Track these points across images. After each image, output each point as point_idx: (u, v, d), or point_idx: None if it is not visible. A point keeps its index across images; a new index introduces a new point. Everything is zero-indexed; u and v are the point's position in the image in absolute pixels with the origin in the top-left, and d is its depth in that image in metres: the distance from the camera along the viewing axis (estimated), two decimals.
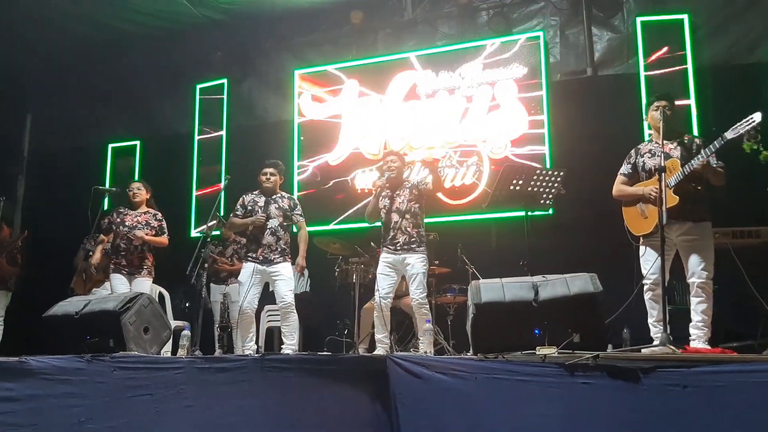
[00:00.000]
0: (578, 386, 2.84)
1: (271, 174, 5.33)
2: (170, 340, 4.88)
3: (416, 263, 4.90)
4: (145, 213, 5.75)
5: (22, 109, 9.09)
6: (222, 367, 3.23)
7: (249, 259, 5.18)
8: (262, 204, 5.27)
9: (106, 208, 5.98)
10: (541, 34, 6.91)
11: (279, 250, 5.17)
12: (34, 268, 6.87)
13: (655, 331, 3.95)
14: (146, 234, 5.56)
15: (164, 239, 5.73)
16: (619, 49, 6.81)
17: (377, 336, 5.00)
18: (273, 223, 5.20)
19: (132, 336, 4.05)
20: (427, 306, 4.96)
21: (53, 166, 8.64)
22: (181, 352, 4.43)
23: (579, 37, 6.98)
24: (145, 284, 5.56)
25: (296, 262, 5.26)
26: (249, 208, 5.29)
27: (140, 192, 5.79)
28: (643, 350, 3.41)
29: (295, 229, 5.46)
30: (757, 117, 3.55)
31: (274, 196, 5.32)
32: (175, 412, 2.92)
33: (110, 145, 8.55)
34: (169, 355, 5.06)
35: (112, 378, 2.72)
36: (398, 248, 4.94)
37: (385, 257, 4.99)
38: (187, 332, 4.56)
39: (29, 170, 9.00)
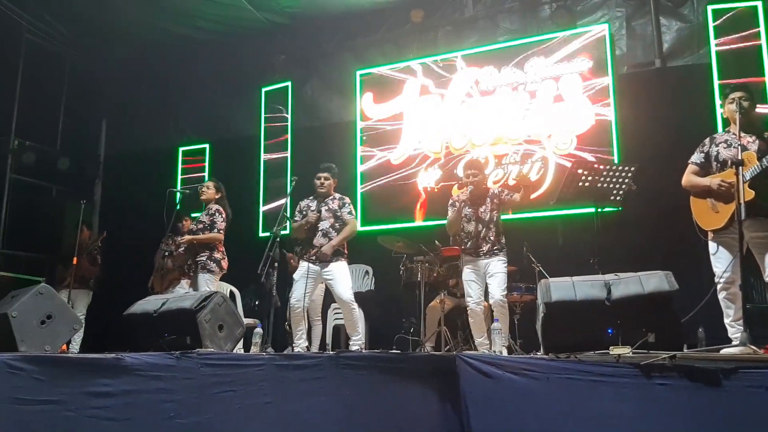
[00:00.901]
0: (654, 387, 2.78)
1: (325, 179, 5.43)
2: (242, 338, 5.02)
3: (497, 264, 5.04)
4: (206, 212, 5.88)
5: (98, 115, 9.54)
6: (299, 365, 3.32)
7: (304, 258, 5.33)
8: (314, 207, 5.41)
9: (179, 208, 6.16)
10: (606, 26, 6.76)
11: (331, 251, 5.23)
12: (112, 268, 7.18)
13: (733, 331, 3.81)
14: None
15: (212, 235, 5.69)
16: (689, 39, 6.58)
17: (477, 340, 5.13)
18: (324, 225, 5.31)
19: (207, 333, 4.17)
20: (506, 305, 5.04)
21: (128, 169, 9.01)
22: (254, 350, 4.57)
23: (646, 28, 6.79)
24: (202, 279, 5.65)
25: (324, 245, 5.24)
26: (304, 213, 5.44)
27: (207, 190, 5.93)
28: (722, 350, 3.31)
29: None
30: None
31: (326, 199, 5.43)
32: (255, 408, 3.02)
33: (181, 148, 8.86)
34: (241, 351, 5.22)
35: (199, 374, 2.83)
36: (481, 255, 5.09)
37: (469, 264, 5.13)
38: (259, 330, 4.70)
39: (106, 174, 9.43)
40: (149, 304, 4.58)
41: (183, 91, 8.98)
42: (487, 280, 5.06)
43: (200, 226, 5.76)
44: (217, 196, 5.95)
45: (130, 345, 4.10)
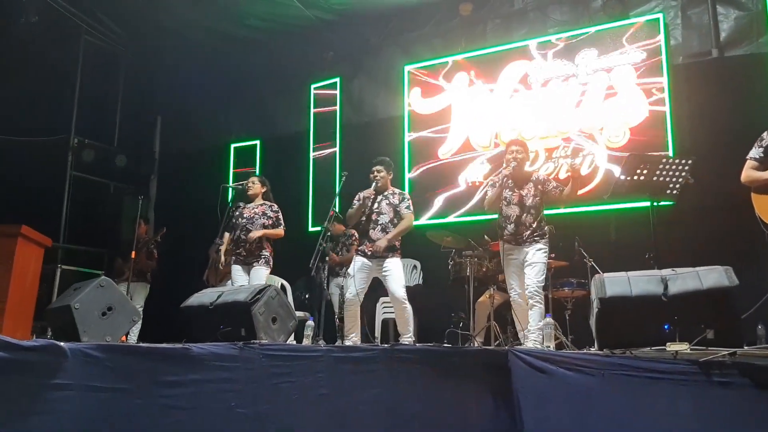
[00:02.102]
0: (713, 385, 2.73)
1: (378, 171, 5.43)
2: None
3: (537, 253, 4.90)
4: (261, 205, 5.99)
5: (153, 113, 9.81)
6: (355, 357, 3.36)
7: (359, 252, 5.34)
8: (375, 201, 5.40)
9: (231, 204, 6.30)
10: (660, 16, 6.60)
11: (388, 246, 5.25)
12: (168, 261, 7.39)
13: None
14: (258, 232, 5.76)
15: (280, 231, 5.92)
16: (748, 27, 6.36)
17: (520, 333, 5.02)
18: (383, 219, 5.30)
19: (262, 326, 4.25)
20: (542, 296, 4.87)
21: (182, 165, 9.26)
22: (306, 342, 4.64)
23: (702, 17, 6.59)
24: (262, 273, 5.75)
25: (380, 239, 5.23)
26: (363, 203, 5.42)
27: (254, 185, 6.05)
28: None
29: None
30: None
31: (385, 193, 5.43)
32: (312, 399, 3.07)
33: (232, 145, 9.04)
34: (294, 344, 5.31)
35: (260, 364, 2.90)
36: (521, 242, 4.97)
37: (510, 252, 5.01)
38: (311, 322, 4.77)
39: (160, 170, 9.69)
40: (205, 296, 4.69)
41: (234, 89, 9.15)
42: (524, 269, 4.93)
43: (270, 222, 5.88)
44: (263, 191, 6.07)
45: (187, 337, 4.22)
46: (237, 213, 5.97)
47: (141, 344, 3.01)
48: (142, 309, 6.75)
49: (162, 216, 9.01)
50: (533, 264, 4.87)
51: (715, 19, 6.49)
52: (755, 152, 4.04)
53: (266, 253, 5.83)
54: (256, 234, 5.75)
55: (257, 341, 3.41)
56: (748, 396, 2.67)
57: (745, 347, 3.35)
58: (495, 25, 7.78)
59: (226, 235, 6.10)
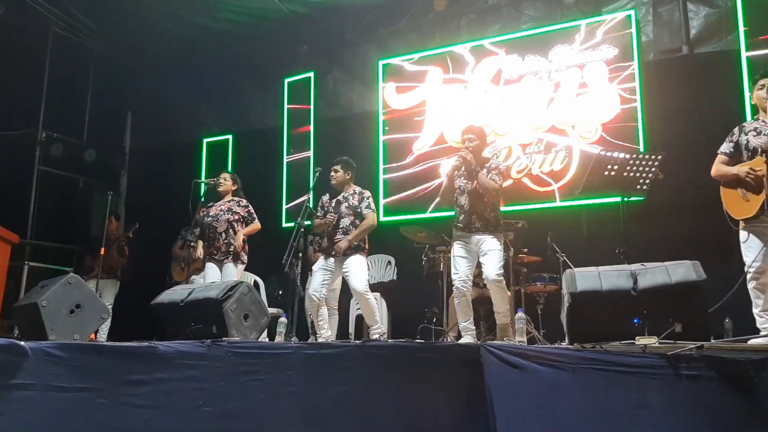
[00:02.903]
0: (681, 378, 2.76)
1: (334, 171, 5.42)
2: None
3: (492, 241, 4.76)
4: (228, 201, 5.94)
5: (123, 107, 9.66)
6: (326, 354, 3.34)
7: (323, 253, 5.38)
8: (334, 203, 5.41)
9: (203, 200, 6.24)
10: (632, 12, 6.65)
11: (352, 246, 5.23)
12: (138, 258, 7.29)
13: (762, 321, 3.78)
14: (240, 236, 5.74)
15: (255, 225, 5.91)
16: (717, 24, 6.44)
17: (462, 324, 4.89)
18: (344, 222, 5.29)
19: (233, 323, 4.20)
20: (503, 282, 4.77)
21: (153, 161, 9.13)
22: (279, 339, 4.61)
23: (673, 14, 6.66)
24: (234, 270, 5.72)
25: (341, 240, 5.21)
26: (326, 208, 5.45)
27: (225, 182, 6.01)
28: (750, 341, 3.28)
29: None
30: None
31: (345, 194, 5.40)
32: (281, 397, 3.04)
33: (205, 140, 8.94)
34: (266, 341, 5.28)
35: (228, 363, 2.86)
36: (473, 230, 4.82)
37: (460, 239, 4.88)
38: (284, 319, 4.74)
39: (131, 165, 9.55)
40: (176, 293, 4.64)
41: (207, 83, 9.01)
42: (480, 259, 4.77)
43: (236, 217, 5.84)
44: (234, 188, 6.04)
45: (157, 334, 4.16)
46: (204, 212, 5.90)
47: (105, 343, 2.96)
48: (111, 306, 6.67)
49: (133, 212, 8.88)
50: (489, 252, 4.72)
51: (686, 16, 6.56)
52: (726, 147, 4.09)
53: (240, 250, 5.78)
54: (240, 238, 5.73)
55: (226, 339, 3.37)
56: (714, 388, 2.70)
57: (713, 340, 3.40)
58: (469, 21, 7.79)
59: (197, 233, 6.04)
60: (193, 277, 6.30)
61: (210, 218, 5.84)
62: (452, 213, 5.13)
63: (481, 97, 7.25)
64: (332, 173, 5.44)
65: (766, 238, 3.61)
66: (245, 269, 6.04)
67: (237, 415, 2.82)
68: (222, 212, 5.85)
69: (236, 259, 5.76)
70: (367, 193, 5.48)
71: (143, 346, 2.65)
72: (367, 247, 5.39)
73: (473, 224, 4.83)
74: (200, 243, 5.90)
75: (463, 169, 4.93)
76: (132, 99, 9.62)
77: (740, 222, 3.92)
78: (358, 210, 5.33)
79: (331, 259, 5.26)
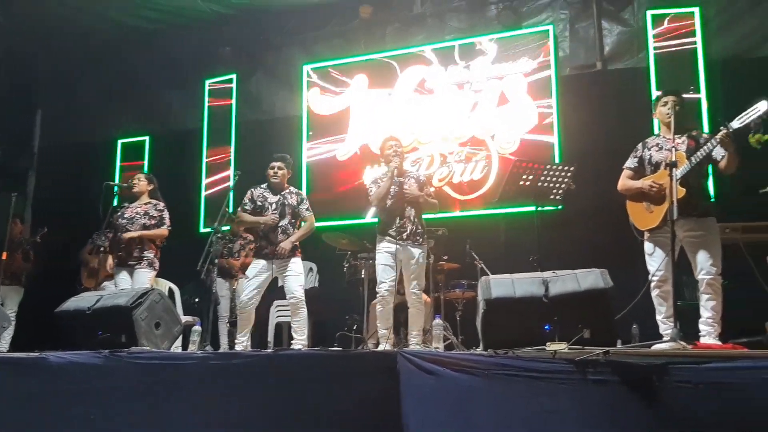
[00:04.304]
0: (588, 383, 2.83)
1: (279, 168, 5.27)
2: (181, 336, 4.91)
3: (420, 257, 4.89)
4: (144, 204, 5.70)
5: (32, 104, 9.15)
6: (234, 363, 3.23)
7: (260, 255, 5.17)
8: (273, 201, 5.22)
9: (116, 203, 5.98)
10: (550, 27, 6.89)
11: (290, 247, 5.14)
12: (45, 264, 6.93)
13: (665, 327, 3.95)
14: (134, 233, 5.47)
15: (162, 231, 5.61)
16: (629, 42, 6.78)
17: (381, 331, 4.93)
18: (284, 221, 5.17)
19: (144, 331, 4.07)
20: (422, 298, 4.91)
21: (63, 161, 8.66)
22: (192, 348, 4.47)
23: (589, 31, 6.95)
24: (145, 276, 5.48)
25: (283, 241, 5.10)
26: (259, 203, 5.24)
27: (140, 183, 5.75)
28: (653, 346, 3.40)
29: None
30: (763, 106, 3.51)
31: (283, 192, 5.28)
32: (187, 408, 2.92)
33: (120, 141, 8.59)
34: (179, 350, 5.10)
35: (127, 374, 2.73)
36: (404, 238, 4.87)
37: (387, 247, 4.91)
38: (198, 328, 4.60)
39: (39, 166, 9.06)
40: (83, 301, 4.44)
41: (123, 82, 8.71)
42: (410, 268, 4.87)
43: (153, 222, 5.59)
44: (149, 189, 5.78)
45: (63, 343, 3.96)
46: (119, 213, 5.65)
47: None
48: (15, 314, 6.36)
49: (40, 215, 8.42)
50: (416, 267, 4.86)
51: (600, 33, 6.85)
52: (630, 162, 4.28)
53: (149, 254, 5.54)
54: (129, 234, 5.45)
55: (126, 350, 3.22)
56: (620, 393, 2.77)
57: (620, 346, 3.51)
58: (394, 29, 7.85)
59: (109, 236, 5.79)
60: (105, 283, 6.05)
61: (124, 220, 5.57)
62: (375, 220, 5.15)
63: (404, 106, 7.31)
64: (276, 170, 5.26)
65: (669, 247, 3.77)
66: (159, 276, 5.83)
67: (134, 428, 2.68)
68: (138, 215, 5.60)
69: (149, 265, 5.52)
70: (304, 195, 5.42)
71: (32, 357, 2.49)
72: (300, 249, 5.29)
73: (404, 230, 4.88)
74: (111, 256, 5.64)
75: (395, 172, 4.99)
76: (42, 96, 9.12)
77: (645, 233, 4.09)
78: (297, 211, 5.23)
79: (268, 262, 5.09)
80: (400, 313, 5.77)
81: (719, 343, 3.78)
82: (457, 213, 6.76)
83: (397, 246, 4.85)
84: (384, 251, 4.93)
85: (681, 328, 3.53)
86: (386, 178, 5.00)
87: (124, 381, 2.72)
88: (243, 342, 5.06)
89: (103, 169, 8.27)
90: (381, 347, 4.74)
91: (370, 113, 7.46)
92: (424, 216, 5.13)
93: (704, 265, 3.85)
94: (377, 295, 4.96)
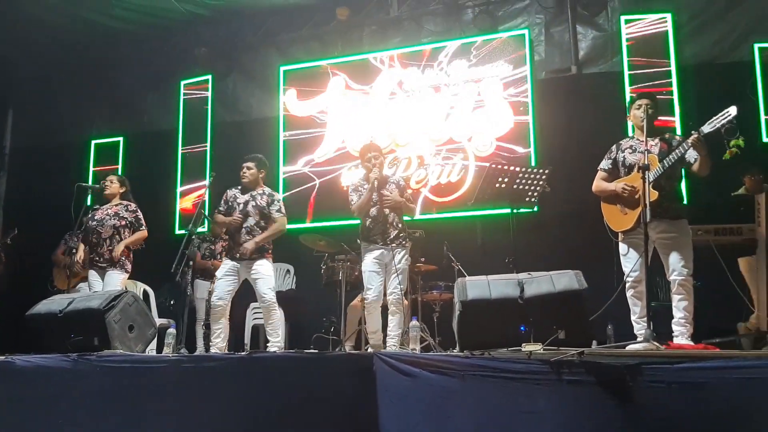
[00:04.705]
0: (563, 383, 2.85)
1: (248, 168, 5.22)
2: (155, 338, 4.85)
3: (402, 260, 4.94)
4: (115, 205, 5.62)
5: (3, 104, 9.00)
6: (208, 366, 3.19)
7: (227, 256, 5.13)
8: (242, 201, 5.17)
9: (90, 204, 5.90)
10: (526, 32, 6.94)
11: (256, 248, 5.07)
12: (16, 266, 6.81)
13: (639, 327, 3.99)
14: (120, 246, 5.41)
15: (141, 234, 5.58)
16: (603, 47, 6.86)
17: (371, 334, 4.97)
18: (249, 222, 5.09)
19: (117, 334, 4.02)
20: (402, 301, 4.92)
21: (35, 162, 8.53)
22: (167, 351, 4.40)
23: (564, 35, 7.02)
24: (118, 278, 5.40)
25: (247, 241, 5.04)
26: (230, 204, 5.20)
27: (112, 185, 5.68)
28: (627, 347, 3.44)
29: None
30: (733, 111, 3.57)
31: (253, 193, 5.21)
32: (160, 413, 2.88)
33: (93, 142, 8.48)
34: (154, 353, 5.03)
35: (97, 378, 2.68)
36: (389, 242, 4.92)
37: (373, 253, 4.94)
38: (172, 330, 4.53)
39: (11, 167, 8.90)
40: (54, 303, 4.37)
41: (97, 82, 8.59)
42: (390, 272, 4.90)
43: (123, 223, 5.52)
44: (121, 191, 5.71)
45: (34, 347, 3.89)
46: (89, 216, 5.56)
47: None
48: None
49: (12, 216, 8.28)
50: (401, 271, 4.87)
51: (575, 37, 6.93)
52: (605, 164, 4.33)
53: (121, 256, 5.46)
54: (119, 249, 5.39)
55: (95, 353, 3.16)
56: (594, 393, 2.80)
57: (597, 347, 3.55)
58: (371, 32, 7.85)
59: (81, 237, 5.70)
60: (79, 285, 5.97)
61: (95, 222, 5.49)
62: (353, 222, 5.16)
63: (382, 108, 7.32)
64: (245, 170, 5.22)
65: (642, 249, 3.82)
66: (134, 278, 5.76)
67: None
68: (108, 217, 5.52)
69: (121, 266, 5.45)
70: (278, 196, 5.35)
71: None
72: (271, 249, 5.23)
73: (388, 235, 4.93)
74: (81, 247, 5.56)
75: (375, 183, 5.01)
76: (13, 96, 8.97)
77: (619, 234, 4.14)
78: (266, 212, 5.15)
79: (235, 263, 5.05)
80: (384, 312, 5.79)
81: (691, 343, 3.83)
82: (435, 215, 6.77)
83: (384, 251, 4.91)
84: (370, 257, 4.94)
85: (655, 329, 3.59)
86: (367, 190, 5.04)
87: (94, 385, 2.67)
88: (218, 344, 5.02)
89: (76, 170, 8.13)
90: (371, 350, 4.73)
91: (347, 115, 7.45)
92: (406, 217, 5.18)
93: (676, 267, 3.91)
94: (364, 301, 4.97)
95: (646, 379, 2.69)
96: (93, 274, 5.42)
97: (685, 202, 4.29)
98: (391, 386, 3.28)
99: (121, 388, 2.80)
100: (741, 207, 4.78)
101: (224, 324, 5.04)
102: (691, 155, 3.91)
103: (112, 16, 7.86)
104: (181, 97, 8.16)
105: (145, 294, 6.33)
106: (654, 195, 3.75)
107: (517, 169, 4.60)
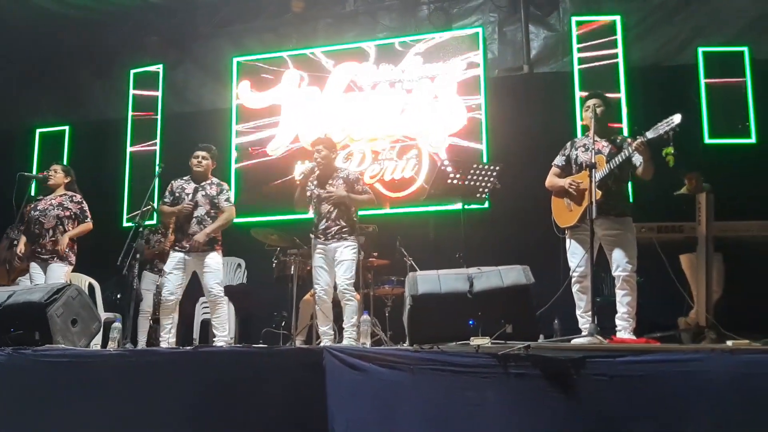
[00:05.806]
0: (510, 376, 2.90)
1: (203, 158, 5.13)
2: (100, 333, 4.74)
3: (345, 250, 4.85)
4: (60, 195, 5.45)
5: None
6: (152, 361, 3.12)
7: (176, 248, 5.01)
8: (190, 191, 5.08)
9: (33, 195, 5.70)
10: (480, 30, 7.01)
11: (207, 240, 4.99)
12: None
13: (583, 321, 4.09)
14: (64, 240, 5.24)
15: (86, 226, 5.44)
16: (555, 47, 6.98)
17: (321, 328, 4.93)
18: (200, 211, 5.01)
19: (59, 328, 3.91)
20: (353, 292, 4.87)
21: None
22: (112, 345, 4.31)
23: (516, 35, 7.12)
24: (61, 270, 5.24)
25: (198, 233, 4.96)
26: (177, 194, 5.10)
27: (56, 175, 5.51)
28: (572, 341, 3.52)
29: None
30: (677, 118, 3.66)
31: (203, 183, 5.13)
32: (102, 409, 2.81)
33: (38, 130, 8.20)
34: (98, 347, 4.92)
35: (34, 373, 2.59)
36: (329, 238, 4.89)
37: (318, 248, 4.93)
38: (117, 324, 4.43)
39: None
40: None
41: (42, 69, 8.32)
42: (334, 267, 4.86)
43: (67, 214, 5.35)
44: (66, 181, 5.54)
45: None
46: (32, 206, 5.38)
47: None
48: None
49: None
50: (342, 261, 4.82)
51: (527, 37, 7.04)
52: (559, 160, 4.41)
53: (66, 248, 5.29)
54: (64, 242, 5.22)
55: (32, 347, 3.07)
56: (539, 385, 2.85)
57: (543, 340, 3.62)
58: (326, 25, 7.81)
59: (22, 228, 5.52)
60: (20, 279, 5.77)
61: (37, 213, 5.31)
62: (305, 216, 5.13)
63: (336, 102, 7.29)
64: (200, 159, 5.12)
65: (588, 245, 3.91)
66: (79, 270, 5.60)
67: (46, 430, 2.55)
68: (51, 207, 5.35)
69: (63, 258, 5.28)
70: (226, 186, 5.26)
71: None
72: (221, 241, 5.14)
73: (329, 231, 4.89)
74: (23, 239, 5.38)
75: (315, 178, 5.00)
76: None
77: (565, 230, 4.23)
78: (215, 201, 5.07)
79: (185, 255, 4.95)
80: (335, 307, 5.77)
81: (634, 337, 3.94)
82: (388, 210, 6.78)
83: (326, 246, 4.88)
84: (317, 253, 4.94)
85: (599, 323, 3.69)
86: (299, 187, 5.06)
87: (30, 380, 2.58)
88: (168, 339, 4.93)
89: (20, 159, 7.86)
90: (324, 344, 4.71)
91: (301, 108, 7.40)
92: (360, 212, 5.16)
93: (620, 263, 4.02)
94: (316, 296, 4.94)
95: (589, 372, 2.76)
96: (35, 267, 5.25)
97: (630, 200, 4.38)
98: (341, 381, 3.28)
99: (60, 383, 2.71)
100: (683, 206, 4.92)
101: (174, 318, 4.97)
102: (638, 159, 4.01)
103: (60, 1, 7.60)
104: (131, 86, 7.95)
105: (91, 287, 6.17)
106: (598, 194, 3.83)
107: (469, 165, 4.65)
